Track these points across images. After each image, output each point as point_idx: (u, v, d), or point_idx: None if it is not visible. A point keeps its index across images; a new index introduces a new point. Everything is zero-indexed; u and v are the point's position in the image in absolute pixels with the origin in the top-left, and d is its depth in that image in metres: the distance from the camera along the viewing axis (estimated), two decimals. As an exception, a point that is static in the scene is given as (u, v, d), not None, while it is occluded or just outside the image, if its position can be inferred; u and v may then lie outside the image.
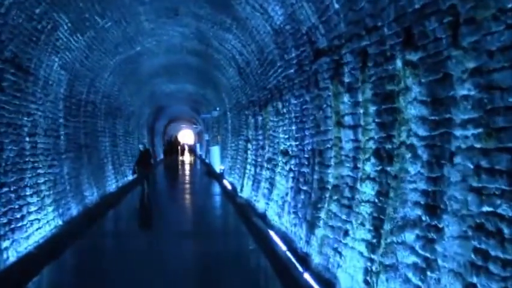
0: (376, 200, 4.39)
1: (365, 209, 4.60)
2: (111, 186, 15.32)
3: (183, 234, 9.54)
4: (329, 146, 5.90)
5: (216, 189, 18.28)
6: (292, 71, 7.86)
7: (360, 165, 4.89)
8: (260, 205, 10.22)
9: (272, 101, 9.67)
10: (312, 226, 6.20)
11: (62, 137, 10.00)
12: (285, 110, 8.58)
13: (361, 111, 4.89)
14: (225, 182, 17.63)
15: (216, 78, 17.47)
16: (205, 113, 26.57)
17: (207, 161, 30.73)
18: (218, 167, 21.35)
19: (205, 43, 13.14)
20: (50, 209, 8.59)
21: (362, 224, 4.60)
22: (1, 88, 6.66)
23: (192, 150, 54.60)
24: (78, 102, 11.66)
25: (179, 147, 45.42)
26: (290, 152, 8.09)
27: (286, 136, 8.42)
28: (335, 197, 5.48)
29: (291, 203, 7.64)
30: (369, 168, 4.61)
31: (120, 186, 16.70)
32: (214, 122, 25.00)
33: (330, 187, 5.73)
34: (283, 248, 7.14)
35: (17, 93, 7.34)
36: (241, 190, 13.19)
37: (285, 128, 8.59)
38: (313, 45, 6.47)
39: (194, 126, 44.96)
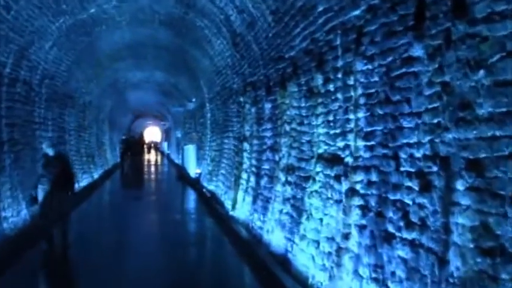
0: None
1: None
2: (53, 197, 11.24)
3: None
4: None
5: (193, 202, 14.33)
6: (357, 12, 4.33)
7: None
8: (274, 239, 6.59)
9: (298, 77, 6.09)
10: None
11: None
12: (331, 87, 5.02)
13: None
14: (204, 191, 13.89)
15: (193, 60, 13.71)
16: (176, 106, 22.69)
17: (176, 161, 26.79)
18: (193, 170, 17.57)
19: (185, 2, 9.41)
20: None
21: None
22: None
23: (157, 148, 53.51)
24: (-5, 78, 7.75)
25: (145, 146, 41.67)
26: (348, 161, 4.53)
27: (337, 131, 4.85)
28: None
29: (360, 256, 4.06)
30: None
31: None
32: (188, 116, 21.16)
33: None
34: None
35: None
36: (233, 207, 9.52)
37: (330, 118, 5.03)
38: None
39: (162, 123, 40.89)
